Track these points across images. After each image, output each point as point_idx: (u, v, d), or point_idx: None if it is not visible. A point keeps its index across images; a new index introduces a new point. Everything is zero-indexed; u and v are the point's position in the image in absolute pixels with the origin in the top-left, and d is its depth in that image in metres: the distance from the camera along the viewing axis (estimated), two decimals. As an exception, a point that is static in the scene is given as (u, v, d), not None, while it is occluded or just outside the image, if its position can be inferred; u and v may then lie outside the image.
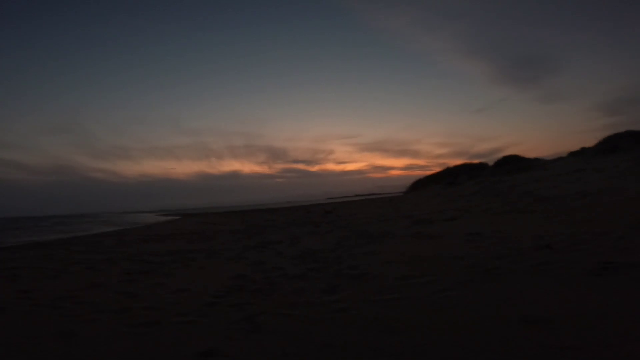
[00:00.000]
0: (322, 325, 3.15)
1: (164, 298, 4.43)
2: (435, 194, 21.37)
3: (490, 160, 28.06)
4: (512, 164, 19.88)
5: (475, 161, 30.69)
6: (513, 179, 15.00)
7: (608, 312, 2.76)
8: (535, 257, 4.54)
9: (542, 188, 10.66)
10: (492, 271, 4.18)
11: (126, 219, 45.04)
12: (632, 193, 7.74)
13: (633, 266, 3.69)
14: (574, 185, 9.80)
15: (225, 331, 3.20)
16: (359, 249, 6.87)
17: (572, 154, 17.72)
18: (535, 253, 4.78)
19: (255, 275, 5.39)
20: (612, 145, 14.69)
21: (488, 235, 6.32)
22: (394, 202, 21.36)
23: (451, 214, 10.12)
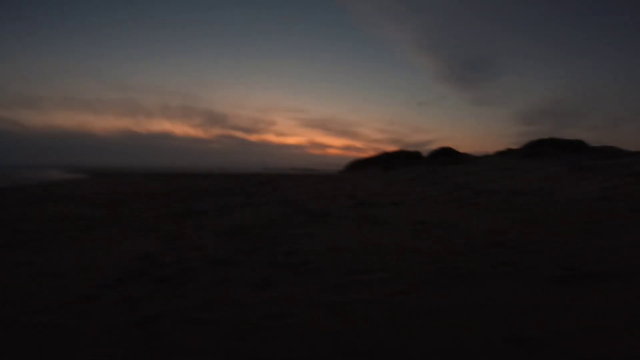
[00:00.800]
0: (250, 341, 2.22)
1: (21, 285, 3.08)
2: (373, 176, 21.48)
3: (423, 151, 29.33)
4: (445, 156, 20.79)
5: (411, 150, 31.93)
6: (448, 170, 15.47)
7: (597, 330, 2.29)
8: (493, 256, 4.13)
9: (478, 182, 10.89)
10: (454, 270, 3.63)
11: (21, 175, 38.36)
12: (575, 196, 8.06)
13: (599, 275, 3.40)
14: (509, 182, 10.13)
15: (98, 344, 2.10)
16: (298, 229, 6.02)
17: (500, 154, 19.11)
18: (490, 250, 4.40)
19: (165, 256, 4.22)
20: (535, 150, 15.98)
21: (435, 225, 5.93)
22: (333, 180, 20.99)
23: (393, 197, 9.81)
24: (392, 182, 14.63)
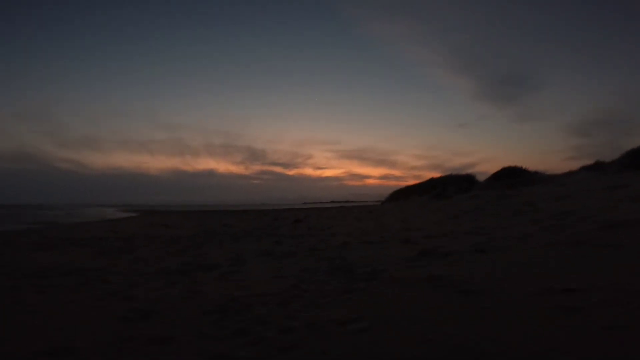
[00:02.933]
0: None
1: None
2: (422, 207, 18.42)
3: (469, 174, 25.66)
4: (512, 177, 17.30)
5: (462, 173, 28.26)
6: (524, 194, 12.18)
7: None
8: None
9: (586, 210, 7.70)
10: None
11: (80, 213, 39.80)
12: None
13: None
14: (633, 206, 6.87)
15: None
16: (329, 308, 3.52)
17: (587, 169, 15.32)
18: None
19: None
20: (638, 160, 12.29)
21: (590, 296, 3.11)
22: (375, 214, 18.19)
23: (468, 239, 6.94)
24: (453, 214, 11.61)
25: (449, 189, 22.24)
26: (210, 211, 45.35)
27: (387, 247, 7.17)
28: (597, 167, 15.01)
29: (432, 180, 33.10)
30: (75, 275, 5.62)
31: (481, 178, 24.12)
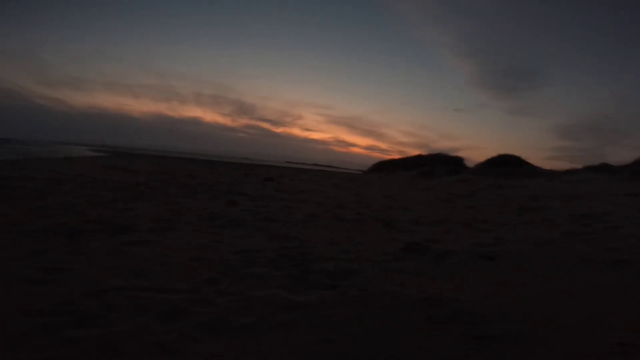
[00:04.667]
0: None
1: None
2: (409, 183, 16.93)
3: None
4: (509, 166, 15.85)
5: (452, 154, 26.80)
6: (526, 187, 10.74)
7: None
8: None
9: (603, 215, 6.23)
10: None
11: (45, 150, 36.78)
12: None
13: None
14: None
15: None
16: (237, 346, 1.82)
17: (592, 170, 13.94)
18: None
19: None
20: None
21: None
22: (357, 184, 16.60)
23: (468, 234, 5.37)
24: (445, 197, 10.07)
25: (437, 168, 20.75)
26: (185, 159, 43.09)
27: (363, 230, 5.52)
28: (604, 170, 13.67)
29: (419, 157, 31.63)
30: None
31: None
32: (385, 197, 10.64)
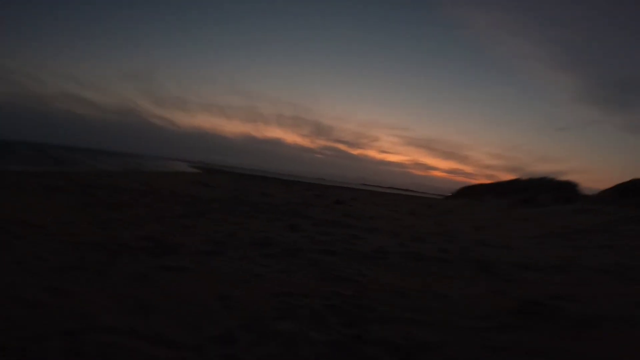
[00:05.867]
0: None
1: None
2: (503, 212, 14.32)
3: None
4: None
5: (562, 179, 22.44)
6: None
7: None
8: None
9: None
10: None
11: (151, 163, 42.27)
12: None
13: None
14: None
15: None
16: None
17: None
18: None
19: None
20: None
21: None
22: (437, 210, 14.64)
23: (618, 291, 3.55)
24: (560, 231, 7.81)
25: (542, 195, 17.40)
26: (265, 177, 45.07)
27: (449, 276, 4.07)
28: None
29: (516, 181, 27.55)
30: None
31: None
32: (476, 229, 8.73)
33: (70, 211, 5.85)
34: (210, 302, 2.80)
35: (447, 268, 4.48)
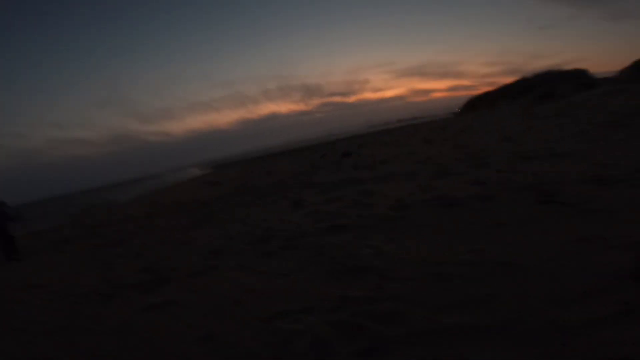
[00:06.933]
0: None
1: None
2: (525, 114, 12.81)
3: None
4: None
5: (570, 68, 20.13)
6: None
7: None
8: None
9: None
10: None
11: (165, 179, 41.54)
12: None
13: None
14: None
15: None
16: None
17: None
18: None
19: None
20: None
21: None
22: (452, 131, 13.25)
23: None
24: (608, 122, 6.42)
25: (560, 86, 15.55)
26: (272, 154, 43.61)
27: (501, 225, 2.91)
28: None
29: (522, 80, 25.30)
30: None
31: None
32: (504, 140, 7.40)
33: (77, 261, 5.71)
34: (193, 347, 1.93)
35: (493, 210, 3.31)
